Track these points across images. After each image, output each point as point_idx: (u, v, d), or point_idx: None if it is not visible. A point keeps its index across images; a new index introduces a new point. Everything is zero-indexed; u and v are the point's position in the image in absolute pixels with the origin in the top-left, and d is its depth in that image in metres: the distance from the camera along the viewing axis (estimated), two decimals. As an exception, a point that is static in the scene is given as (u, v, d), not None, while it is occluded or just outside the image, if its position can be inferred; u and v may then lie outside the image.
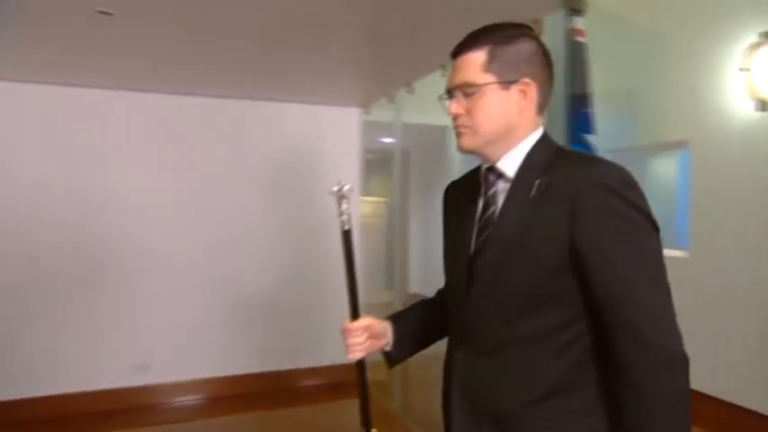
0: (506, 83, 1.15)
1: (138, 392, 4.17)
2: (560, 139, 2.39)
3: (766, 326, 3.50)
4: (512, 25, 1.19)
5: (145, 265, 4.21)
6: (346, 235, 1.42)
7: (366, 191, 5.73)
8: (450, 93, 1.20)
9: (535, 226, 1.10)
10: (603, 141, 2.53)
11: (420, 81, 3.82)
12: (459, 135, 1.20)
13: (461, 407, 1.20)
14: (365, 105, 4.80)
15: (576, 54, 2.38)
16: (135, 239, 4.18)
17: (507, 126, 1.17)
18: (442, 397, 1.27)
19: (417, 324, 1.46)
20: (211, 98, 4.38)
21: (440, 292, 1.47)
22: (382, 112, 4.59)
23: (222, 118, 4.44)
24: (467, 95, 1.17)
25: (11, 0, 2.39)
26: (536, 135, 1.20)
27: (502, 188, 1.19)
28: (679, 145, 4.28)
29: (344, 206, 1.40)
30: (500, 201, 1.19)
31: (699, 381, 4.16)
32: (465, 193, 1.29)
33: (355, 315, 1.38)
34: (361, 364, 1.40)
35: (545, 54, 1.20)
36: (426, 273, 7.71)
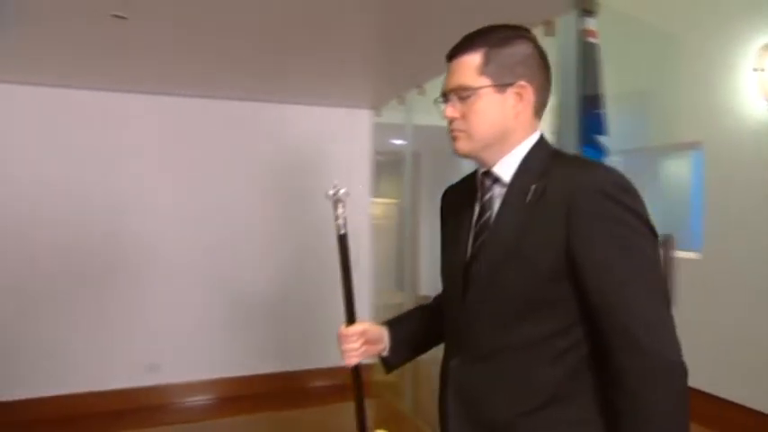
0: (502, 86, 1.14)
1: (148, 392, 4.20)
2: (572, 140, 2.38)
3: (781, 329, 3.47)
4: (508, 27, 1.18)
5: (154, 265, 4.24)
6: (342, 239, 1.40)
7: (377, 193, 5.73)
8: (445, 96, 1.19)
9: (531, 231, 1.09)
10: (616, 142, 2.52)
11: (431, 82, 3.81)
12: (454, 139, 1.19)
13: (457, 413, 1.19)
14: (376, 107, 4.81)
15: (588, 55, 2.38)
16: (144, 240, 4.21)
17: (503, 130, 1.16)
18: (438, 403, 1.27)
19: (414, 330, 1.45)
20: (222, 100, 4.40)
21: (437, 298, 1.45)
22: (393, 114, 4.59)
23: (232, 120, 4.47)
24: (462, 99, 1.15)
25: (11, 0, 2.39)
26: (533, 138, 1.18)
27: (498, 193, 1.18)
28: (692, 146, 4.25)
29: (340, 210, 1.38)
30: (496, 206, 1.17)
31: (711, 383, 4.12)
32: (462, 198, 1.28)
33: (351, 320, 1.38)
34: (356, 369, 1.40)
35: (542, 56, 1.18)
36: (436, 275, 7.66)
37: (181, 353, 4.30)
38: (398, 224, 7.93)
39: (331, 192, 1.38)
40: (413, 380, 4.45)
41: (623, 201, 1.04)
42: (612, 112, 2.48)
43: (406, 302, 4.96)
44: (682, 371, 1.01)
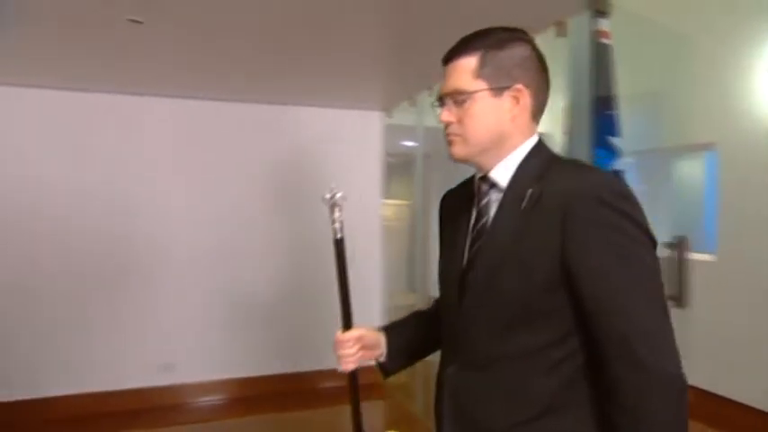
0: (498, 89, 1.12)
1: (162, 392, 4.24)
2: (585, 141, 2.37)
3: (797, 332, 3.43)
4: (505, 29, 1.16)
5: (167, 267, 4.28)
6: (338, 244, 1.37)
7: (388, 194, 5.74)
8: (441, 100, 1.17)
9: (527, 237, 1.07)
10: (629, 143, 2.51)
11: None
12: (450, 143, 1.18)
13: (453, 421, 1.19)
14: (387, 109, 4.82)
15: (601, 56, 2.37)
16: (157, 242, 4.25)
17: (499, 134, 1.14)
18: (434, 409, 1.26)
19: (412, 335, 1.44)
20: (235, 103, 4.43)
21: (436, 303, 1.43)
22: (404, 116, 4.60)
23: (245, 123, 4.49)
24: (458, 103, 1.14)
25: (11, 1, 2.40)
26: (530, 143, 1.16)
27: (495, 198, 1.17)
28: (706, 147, 4.22)
29: (336, 214, 1.35)
30: (492, 211, 1.16)
31: (726, 387, 4.08)
32: (460, 203, 1.27)
33: (347, 325, 1.37)
34: (352, 375, 1.39)
35: (540, 59, 1.16)
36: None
37: (194, 353, 4.33)
38: (410, 226, 7.94)
39: (327, 195, 1.34)
40: (424, 382, 4.45)
41: (620, 207, 1.02)
42: (625, 114, 2.47)
43: (417, 303, 4.96)
44: (681, 384, 0.99)
